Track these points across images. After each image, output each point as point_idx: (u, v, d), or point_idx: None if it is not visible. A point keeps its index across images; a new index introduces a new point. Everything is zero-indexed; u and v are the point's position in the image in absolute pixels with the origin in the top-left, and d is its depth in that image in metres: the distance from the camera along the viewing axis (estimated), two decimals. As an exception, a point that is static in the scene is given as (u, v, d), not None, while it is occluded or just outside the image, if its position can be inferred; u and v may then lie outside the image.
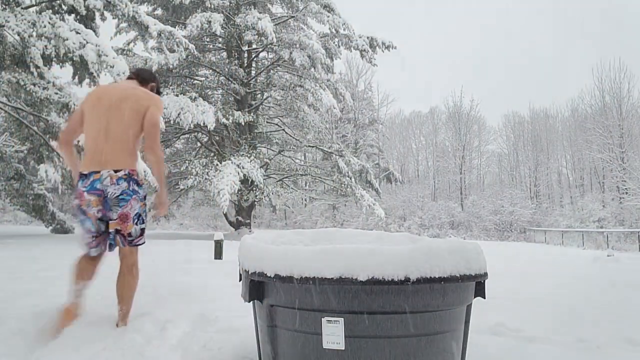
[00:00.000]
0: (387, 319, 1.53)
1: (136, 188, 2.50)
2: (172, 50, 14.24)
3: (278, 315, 1.67)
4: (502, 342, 2.67)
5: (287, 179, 22.47)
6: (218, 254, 8.35)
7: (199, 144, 20.65)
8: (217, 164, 16.56)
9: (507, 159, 39.48)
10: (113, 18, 13.75)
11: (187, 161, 17.67)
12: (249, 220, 21.19)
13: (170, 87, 17.26)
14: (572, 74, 60.43)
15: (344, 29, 19.83)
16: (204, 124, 15.51)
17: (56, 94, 12.33)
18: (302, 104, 19.92)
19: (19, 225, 28.65)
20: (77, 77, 14.19)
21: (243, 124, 18.79)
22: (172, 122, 15.07)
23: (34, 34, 10.73)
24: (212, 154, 19.22)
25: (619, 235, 21.73)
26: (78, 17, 13.30)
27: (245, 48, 20.29)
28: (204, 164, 17.24)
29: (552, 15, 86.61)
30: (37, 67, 12.75)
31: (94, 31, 13.79)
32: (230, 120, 17.56)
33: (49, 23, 10.80)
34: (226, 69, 19.16)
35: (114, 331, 2.56)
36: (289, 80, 20.21)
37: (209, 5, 17.66)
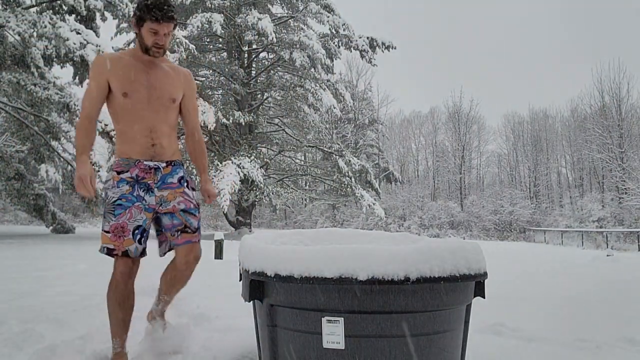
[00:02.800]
0: (387, 318, 1.54)
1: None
2: (172, 51, 14.25)
3: (278, 314, 1.68)
4: (502, 342, 2.68)
5: (287, 179, 22.47)
6: (218, 254, 8.37)
7: (199, 144, 20.64)
8: (217, 164, 16.57)
9: (506, 159, 39.47)
10: (113, 18, 13.79)
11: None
12: (249, 220, 21.20)
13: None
14: (571, 74, 60.54)
15: (344, 29, 19.84)
16: (204, 124, 15.52)
17: (57, 94, 12.34)
18: (302, 104, 19.92)
19: (20, 225, 28.66)
20: (77, 78, 14.24)
21: (243, 124, 18.80)
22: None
23: (35, 34, 10.73)
24: (212, 154, 19.22)
25: (619, 235, 21.73)
26: (79, 17, 13.32)
27: (245, 48, 20.29)
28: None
29: (552, 15, 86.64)
30: (37, 67, 12.77)
31: (95, 31, 13.82)
32: (231, 121, 17.57)
33: (50, 23, 10.81)
34: (226, 69, 19.16)
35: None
36: (289, 81, 20.21)
37: (210, 6, 17.67)
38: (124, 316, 2.09)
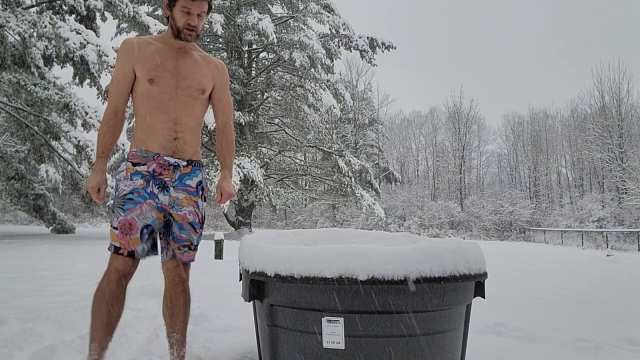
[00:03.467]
0: (387, 318, 1.54)
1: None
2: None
3: (278, 314, 1.68)
4: (502, 342, 2.68)
5: (287, 179, 22.49)
6: (218, 254, 8.38)
7: (199, 144, 20.69)
8: (217, 164, 16.58)
9: (506, 159, 39.48)
10: (114, 18, 13.79)
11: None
12: (249, 220, 21.21)
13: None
14: (572, 74, 60.57)
15: (344, 29, 19.86)
16: (204, 124, 15.53)
17: (57, 94, 12.35)
18: (302, 104, 19.94)
19: (20, 225, 28.66)
20: (77, 78, 14.23)
21: (243, 124, 18.81)
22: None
23: (35, 34, 10.74)
24: (212, 154, 19.23)
25: (618, 235, 21.73)
26: (79, 17, 13.32)
27: (245, 48, 20.31)
28: (204, 163, 17.26)
29: (552, 15, 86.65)
30: (37, 67, 12.77)
31: (95, 31, 13.81)
32: (231, 121, 17.57)
33: (50, 23, 10.81)
34: (226, 69, 19.16)
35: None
36: (289, 81, 20.24)
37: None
38: (109, 319, 1.84)
